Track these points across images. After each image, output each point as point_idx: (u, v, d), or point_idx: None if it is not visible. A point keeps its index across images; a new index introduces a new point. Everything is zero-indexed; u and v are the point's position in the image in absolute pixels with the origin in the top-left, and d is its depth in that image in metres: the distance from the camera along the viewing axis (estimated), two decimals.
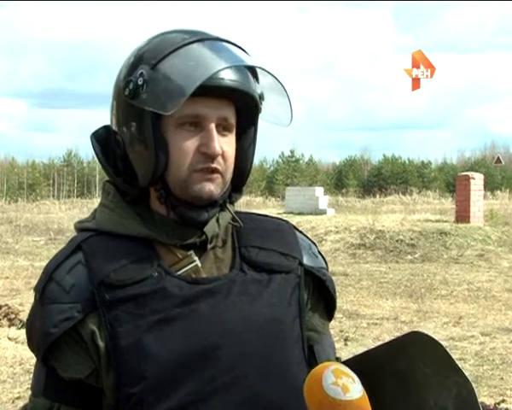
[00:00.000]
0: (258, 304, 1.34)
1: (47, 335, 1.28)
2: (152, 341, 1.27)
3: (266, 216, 1.51)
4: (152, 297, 1.29)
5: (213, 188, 1.33)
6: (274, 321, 1.35)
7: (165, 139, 1.31)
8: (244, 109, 1.36)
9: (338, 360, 1.46)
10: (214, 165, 1.32)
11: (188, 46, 1.31)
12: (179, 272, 1.32)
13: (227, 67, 1.30)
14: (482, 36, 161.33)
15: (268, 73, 1.35)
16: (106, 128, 1.41)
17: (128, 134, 1.34)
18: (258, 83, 1.37)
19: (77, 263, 1.32)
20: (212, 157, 1.31)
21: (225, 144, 1.33)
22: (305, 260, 1.43)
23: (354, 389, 1.20)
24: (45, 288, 1.31)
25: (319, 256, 1.48)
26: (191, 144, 1.31)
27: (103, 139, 1.40)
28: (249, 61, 1.34)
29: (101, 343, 1.28)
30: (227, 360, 1.29)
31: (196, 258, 1.34)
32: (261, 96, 1.37)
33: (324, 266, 1.48)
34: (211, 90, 1.29)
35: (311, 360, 1.41)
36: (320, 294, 1.46)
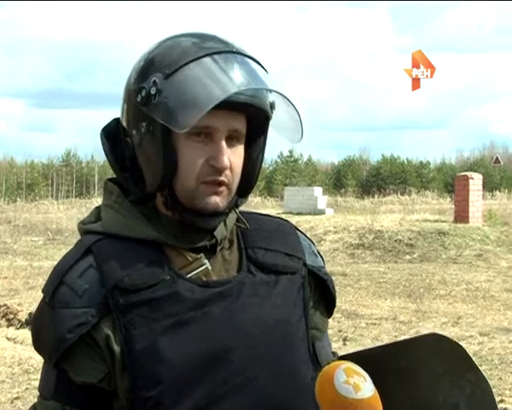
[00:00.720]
0: (267, 306, 1.35)
1: (62, 341, 1.28)
2: (166, 344, 1.27)
3: (268, 216, 1.51)
4: (166, 301, 1.29)
5: (219, 201, 1.33)
6: (282, 322, 1.36)
7: (174, 148, 1.31)
8: (255, 119, 1.36)
9: (334, 355, 1.48)
10: (222, 178, 1.32)
11: (203, 59, 1.30)
12: (190, 275, 1.32)
13: (243, 89, 1.28)
14: (482, 36, 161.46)
15: (282, 95, 1.33)
16: (116, 121, 1.40)
17: (138, 138, 1.33)
18: (270, 92, 1.35)
19: (88, 267, 1.31)
20: (220, 171, 1.31)
21: (234, 156, 1.33)
22: (307, 260, 1.45)
23: (366, 387, 1.21)
24: (56, 291, 1.31)
25: (318, 256, 1.50)
26: (200, 156, 1.31)
27: (113, 132, 1.39)
28: (267, 83, 1.32)
29: (116, 347, 1.28)
30: (239, 362, 1.30)
31: (206, 261, 1.35)
32: (272, 106, 1.37)
33: (323, 265, 1.49)
34: (223, 104, 1.27)
35: (312, 356, 1.42)
36: (321, 293, 1.47)
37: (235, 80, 1.28)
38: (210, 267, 1.34)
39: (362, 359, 1.32)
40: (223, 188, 1.33)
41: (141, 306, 1.28)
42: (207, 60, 1.30)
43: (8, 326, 9.27)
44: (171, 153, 1.30)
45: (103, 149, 1.39)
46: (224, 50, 1.32)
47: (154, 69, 1.32)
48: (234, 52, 1.33)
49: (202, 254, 1.35)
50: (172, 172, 1.31)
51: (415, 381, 1.34)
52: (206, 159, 1.31)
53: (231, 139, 1.33)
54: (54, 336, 1.29)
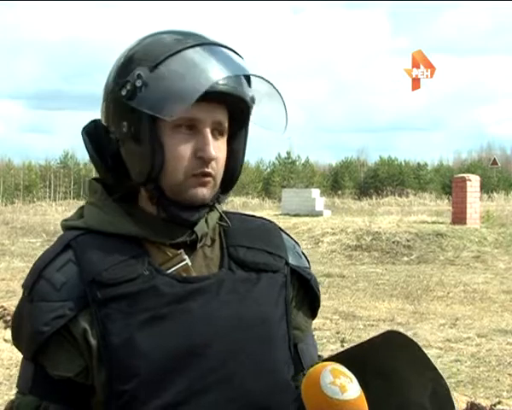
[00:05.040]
0: (247, 303, 1.36)
1: (38, 333, 1.29)
2: (143, 338, 1.28)
3: (252, 216, 1.53)
4: (143, 295, 1.30)
5: (206, 192, 1.35)
6: (262, 320, 1.36)
7: (161, 141, 1.32)
8: (236, 113, 1.38)
9: (320, 358, 1.48)
10: (208, 169, 1.34)
11: (186, 51, 1.32)
12: (169, 271, 1.33)
13: (228, 76, 1.31)
14: (479, 38, 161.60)
15: (265, 80, 1.36)
16: (94, 123, 1.41)
17: (122, 133, 1.34)
18: (250, 87, 1.38)
19: (67, 261, 1.32)
20: (207, 162, 1.33)
21: (218, 149, 1.35)
22: (291, 260, 1.46)
23: (352, 388, 1.21)
24: (35, 285, 1.32)
25: (303, 256, 1.51)
26: (187, 148, 1.32)
27: (94, 134, 1.40)
28: (249, 70, 1.36)
29: (92, 341, 1.28)
30: (217, 357, 1.31)
31: (186, 257, 1.35)
32: (252, 100, 1.39)
33: (308, 266, 1.50)
34: (206, 95, 1.30)
35: (295, 358, 1.42)
36: (304, 293, 1.48)
37: (219, 68, 1.31)
38: (190, 263, 1.35)
39: (347, 360, 1.32)
40: (209, 179, 1.34)
41: (118, 300, 1.29)
42: (190, 50, 1.32)
43: (5, 328, 9.24)
44: (159, 146, 1.32)
45: (86, 147, 1.40)
46: (206, 42, 1.35)
47: (136, 64, 1.33)
48: (215, 44, 1.36)
49: (182, 251, 1.36)
50: (160, 165, 1.32)
51: (392, 381, 1.34)
52: (194, 151, 1.33)
53: (215, 132, 1.35)
54: (31, 330, 1.30)
